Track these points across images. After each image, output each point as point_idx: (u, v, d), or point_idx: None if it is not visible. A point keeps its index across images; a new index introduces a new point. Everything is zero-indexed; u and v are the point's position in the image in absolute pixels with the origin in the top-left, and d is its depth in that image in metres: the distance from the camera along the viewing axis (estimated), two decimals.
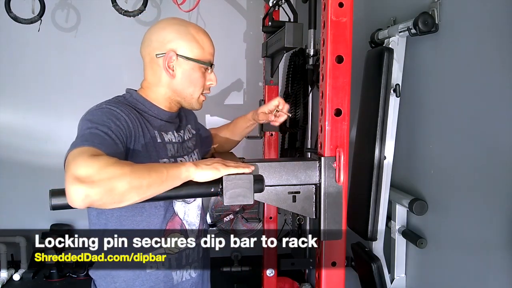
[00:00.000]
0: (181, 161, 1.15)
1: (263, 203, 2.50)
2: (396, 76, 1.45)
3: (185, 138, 1.23)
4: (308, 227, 2.52)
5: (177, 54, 1.10)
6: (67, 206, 0.83)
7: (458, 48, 1.24)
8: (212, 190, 0.91)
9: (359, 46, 1.63)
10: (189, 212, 1.20)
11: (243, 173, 0.93)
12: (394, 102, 1.46)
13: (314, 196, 1.05)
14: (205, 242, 1.24)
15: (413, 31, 1.32)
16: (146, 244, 1.11)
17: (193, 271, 1.22)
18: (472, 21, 1.18)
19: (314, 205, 1.05)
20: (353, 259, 1.73)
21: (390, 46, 1.45)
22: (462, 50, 1.22)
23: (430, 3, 1.33)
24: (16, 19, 2.56)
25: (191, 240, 1.20)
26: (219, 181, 0.90)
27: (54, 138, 2.91)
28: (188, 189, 0.91)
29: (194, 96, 1.15)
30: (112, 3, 2.53)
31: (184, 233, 1.18)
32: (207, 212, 2.87)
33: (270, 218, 2.37)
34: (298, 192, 1.04)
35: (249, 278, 2.86)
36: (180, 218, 1.17)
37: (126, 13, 2.51)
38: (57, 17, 2.98)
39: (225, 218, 2.83)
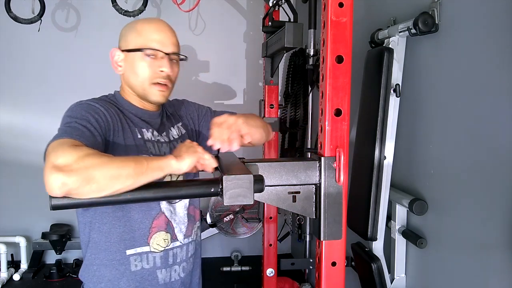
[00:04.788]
0: None
1: (263, 203, 2.50)
2: (396, 76, 1.45)
3: (171, 138, 1.22)
4: (308, 227, 2.53)
5: (121, 50, 1.14)
6: (67, 206, 0.83)
7: (458, 48, 1.24)
8: (212, 190, 0.90)
9: (359, 46, 1.64)
10: (176, 211, 1.19)
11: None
12: (394, 102, 1.46)
13: (314, 196, 1.05)
14: (194, 242, 1.25)
15: (413, 31, 1.32)
16: (131, 240, 1.11)
17: (182, 271, 1.22)
18: (472, 21, 1.18)
19: (314, 205, 1.05)
20: (353, 259, 1.73)
21: (390, 46, 1.45)
22: (462, 50, 1.22)
23: (430, 3, 1.33)
24: (16, 19, 2.56)
25: (178, 240, 1.20)
26: (219, 181, 0.90)
27: None
28: (188, 189, 0.91)
29: (144, 86, 1.12)
30: (112, 3, 2.53)
31: (171, 232, 1.18)
32: (207, 212, 2.87)
33: (270, 218, 2.37)
34: (298, 192, 1.04)
35: (249, 278, 2.86)
36: (167, 217, 1.17)
37: (126, 13, 2.51)
38: (57, 17, 2.98)
39: (225, 218, 2.83)
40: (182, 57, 1.17)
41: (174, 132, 1.25)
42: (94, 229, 1.13)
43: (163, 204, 1.16)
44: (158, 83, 1.11)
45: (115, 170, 0.81)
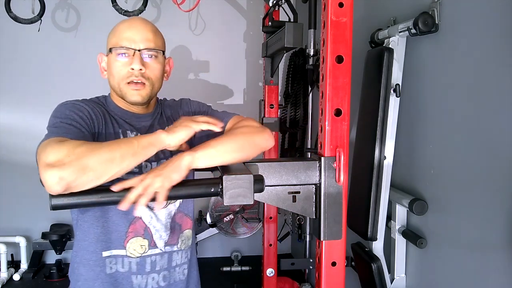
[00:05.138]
0: (146, 166, 1.11)
1: (263, 203, 2.50)
2: (396, 76, 1.45)
3: None
4: (308, 227, 2.53)
5: (105, 55, 1.12)
6: (67, 206, 0.83)
7: (458, 48, 1.24)
8: (212, 190, 0.91)
9: (359, 46, 1.64)
10: (157, 217, 1.14)
11: (213, 125, 0.98)
12: (394, 102, 1.46)
13: (314, 196, 1.05)
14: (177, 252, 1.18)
15: (413, 31, 1.32)
16: (107, 242, 1.10)
17: (162, 280, 1.17)
18: (472, 21, 1.18)
19: (314, 205, 1.05)
20: (353, 259, 1.73)
21: (390, 46, 1.45)
22: (462, 50, 1.22)
23: (430, 3, 1.33)
24: (16, 19, 2.56)
25: (157, 247, 1.15)
26: (219, 181, 0.90)
27: None
28: (188, 189, 0.91)
29: (121, 87, 1.08)
30: (112, 3, 2.53)
31: (149, 238, 1.13)
32: (207, 212, 2.87)
33: (270, 218, 2.37)
34: (298, 192, 1.04)
35: (249, 278, 2.86)
36: (145, 223, 1.13)
37: (126, 13, 2.51)
38: (57, 17, 2.98)
39: (225, 218, 2.83)
40: (154, 53, 1.08)
41: None
42: (77, 227, 1.13)
43: (141, 209, 1.09)
44: (132, 82, 1.07)
45: (107, 154, 0.81)
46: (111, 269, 1.11)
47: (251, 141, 1.01)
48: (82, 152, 0.80)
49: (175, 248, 1.18)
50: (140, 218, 1.12)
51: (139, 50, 1.06)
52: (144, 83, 1.07)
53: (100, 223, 1.09)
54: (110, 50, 1.08)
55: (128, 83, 1.07)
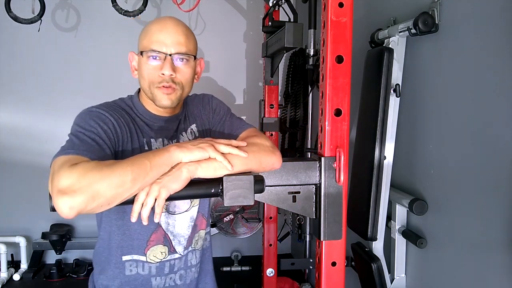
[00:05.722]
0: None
1: (263, 203, 2.50)
2: (396, 76, 1.45)
3: None
4: (308, 227, 2.53)
5: (136, 54, 1.10)
6: None
7: (458, 48, 1.24)
8: (212, 190, 0.91)
9: (359, 46, 1.64)
10: (175, 223, 1.16)
11: (237, 155, 0.93)
12: (394, 102, 1.46)
13: (314, 196, 1.05)
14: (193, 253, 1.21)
15: (413, 31, 1.32)
16: (129, 247, 1.12)
17: (179, 279, 1.20)
18: (472, 21, 1.18)
19: (314, 205, 1.05)
20: (353, 259, 1.73)
21: (390, 46, 1.45)
22: (462, 50, 1.22)
23: (430, 3, 1.33)
24: (16, 19, 2.56)
25: (177, 252, 1.17)
26: (219, 181, 0.90)
27: (54, 138, 2.91)
28: (188, 190, 0.91)
29: (152, 90, 1.06)
30: (112, 3, 2.53)
31: (168, 245, 1.15)
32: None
33: (270, 218, 2.37)
34: (298, 192, 1.04)
35: (249, 278, 2.86)
36: (164, 230, 1.14)
37: (126, 13, 2.51)
38: (57, 17, 2.98)
39: (225, 218, 2.83)
40: (186, 57, 1.06)
41: (186, 137, 1.18)
42: (101, 227, 1.15)
43: (162, 217, 1.12)
44: (163, 87, 1.05)
45: (118, 179, 0.79)
46: (131, 271, 1.14)
47: (257, 161, 0.98)
48: (92, 178, 0.78)
49: (190, 249, 1.21)
50: (160, 226, 1.14)
51: (170, 55, 1.03)
52: (173, 88, 1.05)
53: (121, 231, 1.12)
54: (141, 53, 1.05)
55: (158, 87, 1.05)
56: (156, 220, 0.88)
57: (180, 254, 1.18)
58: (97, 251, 1.19)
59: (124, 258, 1.13)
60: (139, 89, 1.14)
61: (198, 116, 1.21)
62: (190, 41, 1.08)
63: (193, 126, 1.20)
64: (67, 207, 0.76)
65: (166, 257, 1.16)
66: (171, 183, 0.86)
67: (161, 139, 1.12)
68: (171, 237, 1.15)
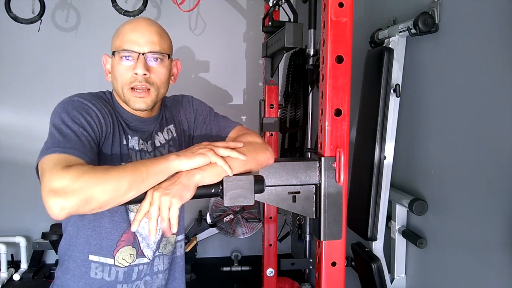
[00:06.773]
0: None
1: (263, 203, 2.50)
2: (396, 76, 1.45)
3: (157, 145, 1.12)
4: (308, 227, 2.53)
5: (109, 56, 1.07)
6: None
7: (458, 48, 1.24)
8: (212, 191, 0.91)
9: (359, 46, 1.64)
10: (145, 225, 1.04)
11: (236, 158, 0.92)
12: (394, 102, 1.46)
13: (314, 196, 1.05)
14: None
15: (413, 31, 1.32)
16: (97, 247, 1.06)
17: (143, 285, 1.13)
18: (472, 21, 1.18)
19: (314, 205, 1.05)
20: (353, 259, 1.73)
21: (390, 46, 1.45)
22: (462, 50, 1.22)
23: (430, 3, 1.33)
24: (16, 19, 2.56)
25: (145, 256, 1.11)
26: (219, 182, 0.90)
27: None
28: None
29: (124, 92, 1.02)
30: (112, 3, 2.53)
31: (137, 247, 1.09)
32: (207, 212, 2.87)
33: (270, 218, 2.37)
34: (298, 192, 1.04)
35: (249, 278, 2.86)
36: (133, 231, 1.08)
37: (126, 13, 2.51)
38: (57, 17, 2.98)
39: (225, 218, 2.83)
40: (160, 56, 1.03)
41: (162, 137, 1.14)
42: (69, 222, 1.09)
43: (131, 215, 1.07)
44: (136, 88, 1.01)
45: (113, 185, 0.79)
46: (96, 274, 1.07)
47: (255, 159, 0.98)
48: (87, 182, 0.77)
49: (157, 253, 1.14)
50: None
51: (143, 54, 1.00)
52: (148, 89, 1.02)
53: (91, 226, 1.06)
54: (113, 53, 1.03)
55: (132, 88, 1.02)
56: (173, 230, 0.85)
57: (149, 259, 1.11)
58: (63, 248, 1.11)
59: (91, 257, 1.06)
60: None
61: (176, 116, 1.19)
62: (164, 40, 1.05)
63: (171, 126, 1.17)
64: (58, 208, 0.75)
65: (134, 260, 1.09)
66: (183, 192, 0.84)
67: (136, 137, 1.09)
68: (140, 239, 1.10)
